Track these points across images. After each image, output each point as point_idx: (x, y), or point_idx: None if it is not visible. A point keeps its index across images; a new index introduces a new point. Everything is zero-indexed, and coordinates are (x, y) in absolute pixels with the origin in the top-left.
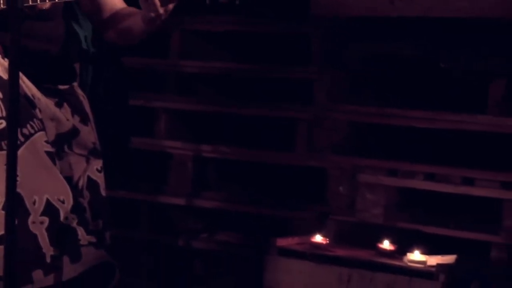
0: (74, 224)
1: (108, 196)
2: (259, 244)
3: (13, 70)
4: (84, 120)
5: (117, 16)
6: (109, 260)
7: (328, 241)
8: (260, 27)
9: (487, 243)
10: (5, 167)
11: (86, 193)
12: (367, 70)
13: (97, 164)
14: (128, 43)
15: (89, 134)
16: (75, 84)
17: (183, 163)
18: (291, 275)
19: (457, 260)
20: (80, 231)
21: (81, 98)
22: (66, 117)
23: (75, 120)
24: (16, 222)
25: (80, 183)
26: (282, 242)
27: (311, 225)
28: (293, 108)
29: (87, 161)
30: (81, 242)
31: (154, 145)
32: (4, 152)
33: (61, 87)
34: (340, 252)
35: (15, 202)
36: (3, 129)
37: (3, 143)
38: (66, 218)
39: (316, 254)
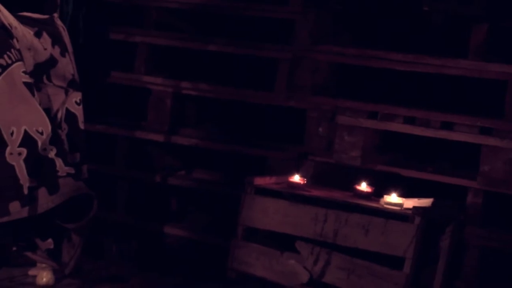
0: (53, 155)
1: (85, 130)
2: (236, 182)
3: None
4: (63, 52)
5: None
6: (87, 192)
7: (305, 182)
8: None
9: (463, 188)
10: None
11: (64, 126)
12: (349, 10)
13: (76, 96)
14: None
15: (67, 65)
16: (55, 15)
17: (162, 99)
18: (267, 213)
19: (433, 203)
20: (59, 162)
21: (61, 29)
22: (44, 46)
23: (55, 51)
24: None
25: (59, 115)
26: (260, 181)
27: (289, 166)
28: (274, 48)
29: (66, 93)
30: (59, 173)
31: (133, 80)
32: None
33: (41, 17)
34: (317, 192)
35: None
36: None
37: None
38: (44, 149)
39: (293, 194)
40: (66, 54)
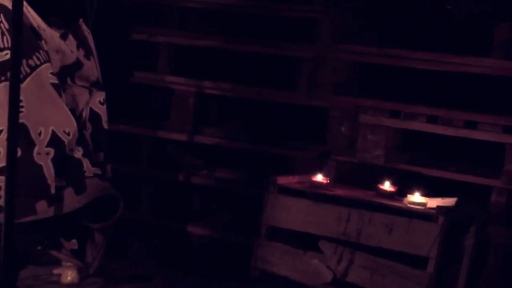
0: (79, 155)
1: (109, 130)
2: (259, 181)
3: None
4: (88, 55)
5: None
6: (113, 192)
7: (328, 181)
8: None
9: (487, 187)
10: None
11: (88, 125)
12: (372, 9)
13: (100, 96)
14: None
15: (91, 68)
16: (81, 20)
17: (185, 99)
18: (290, 213)
19: (457, 203)
20: (86, 163)
21: (86, 33)
22: (70, 49)
23: (80, 54)
24: (21, 153)
25: (83, 115)
26: (283, 180)
27: (312, 165)
28: (297, 47)
29: (90, 93)
30: (86, 174)
31: (156, 80)
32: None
33: (67, 22)
34: (340, 191)
35: (17, 133)
36: (8, 60)
37: (8, 74)
38: (71, 149)
39: (316, 193)
40: (91, 57)
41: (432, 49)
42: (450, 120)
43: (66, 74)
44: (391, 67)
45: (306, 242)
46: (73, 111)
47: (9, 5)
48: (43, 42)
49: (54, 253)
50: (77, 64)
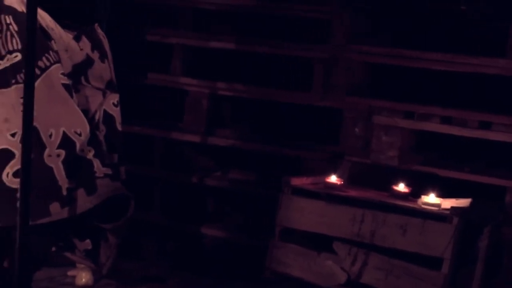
0: (90, 156)
1: (123, 131)
2: (273, 183)
3: (30, 3)
4: (102, 58)
5: None
6: (125, 192)
7: (342, 182)
8: None
9: (502, 188)
10: (21, 100)
11: (102, 127)
12: (385, 9)
13: (114, 98)
14: None
15: (105, 70)
16: (96, 24)
17: (198, 100)
18: (304, 214)
19: (471, 204)
20: (96, 163)
21: (101, 37)
22: (80, 47)
23: (95, 55)
24: (32, 155)
25: (96, 117)
26: (296, 181)
27: (324, 166)
28: (310, 48)
29: (104, 95)
30: (97, 174)
31: (170, 81)
32: (20, 86)
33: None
34: (354, 193)
35: (31, 136)
36: (19, 62)
37: (18, 76)
38: (82, 150)
39: (330, 194)
40: (106, 60)
41: (444, 49)
42: (464, 121)
43: (79, 74)
44: (403, 67)
45: (319, 243)
46: (86, 112)
47: (18, 7)
48: (52, 42)
49: (68, 254)
50: (88, 62)
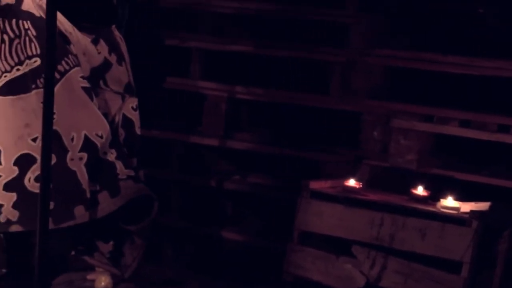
0: (113, 158)
1: (141, 135)
2: (292, 186)
3: (50, 7)
4: (120, 60)
5: None
6: (148, 193)
7: (361, 185)
8: None
9: None
10: (41, 105)
11: (121, 131)
12: (404, 13)
13: (132, 102)
14: None
15: (123, 73)
16: (113, 26)
17: (217, 104)
18: (323, 217)
19: (491, 207)
20: (119, 165)
21: (118, 39)
22: (98, 50)
23: (112, 58)
24: (55, 160)
25: (116, 120)
26: (315, 185)
27: (343, 170)
28: (329, 51)
29: (123, 99)
30: (120, 176)
31: (188, 85)
32: (40, 90)
33: (99, 28)
34: (373, 196)
35: (50, 141)
36: (38, 67)
37: (38, 81)
38: (104, 152)
39: (349, 198)
40: (123, 63)
41: (463, 53)
42: (483, 124)
43: (98, 77)
44: (421, 71)
45: (338, 247)
46: (105, 115)
47: (36, 12)
48: (71, 46)
49: (87, 258)
50: (106, 65)
